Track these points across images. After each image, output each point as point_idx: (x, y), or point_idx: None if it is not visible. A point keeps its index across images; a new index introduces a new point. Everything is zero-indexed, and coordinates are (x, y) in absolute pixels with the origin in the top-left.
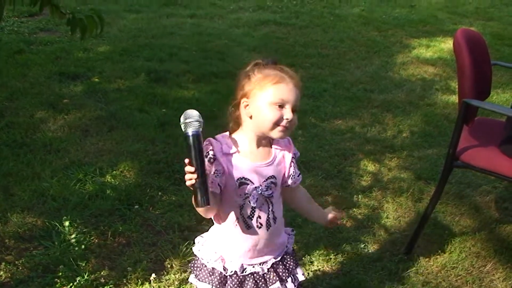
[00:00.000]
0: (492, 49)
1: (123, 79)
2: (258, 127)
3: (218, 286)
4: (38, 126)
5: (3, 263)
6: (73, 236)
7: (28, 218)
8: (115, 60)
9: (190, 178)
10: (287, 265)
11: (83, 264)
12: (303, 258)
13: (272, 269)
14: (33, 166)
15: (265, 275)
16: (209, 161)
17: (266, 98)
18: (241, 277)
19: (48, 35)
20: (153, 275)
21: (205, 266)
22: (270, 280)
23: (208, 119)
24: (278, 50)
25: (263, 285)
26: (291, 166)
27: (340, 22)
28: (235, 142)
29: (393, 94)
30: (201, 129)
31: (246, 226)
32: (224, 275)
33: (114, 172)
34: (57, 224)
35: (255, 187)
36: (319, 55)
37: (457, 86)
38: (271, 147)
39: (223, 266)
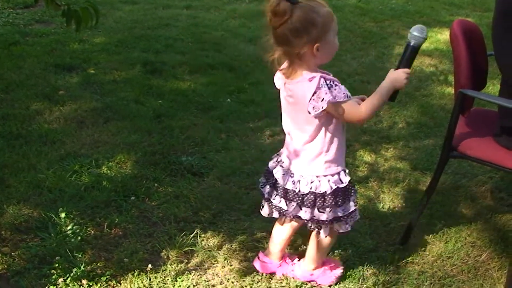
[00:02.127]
0: (489, 40)
1: (119, 71)
2: (327, 58)
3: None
4: (33, 117)
5: None
6: (69, 227)
7: (24, 209)
8: (110, 51)
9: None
10: None
11: (80, 256)
12: (299, 248)
13: None
14: (29, 158)
15: None
16: (335, 84)
17: (332, 34)
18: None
19: (44, 27)
20: (150, 266)
21: (341, 188)
22: None
23: (205, 110)
24: None
25: None
26: None
27: (336, 12)
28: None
29: None
30: (420, 44)
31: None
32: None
33: (110, 163)
34: (53, 216)
35: None
36: None
37: (453, 77)
38: None
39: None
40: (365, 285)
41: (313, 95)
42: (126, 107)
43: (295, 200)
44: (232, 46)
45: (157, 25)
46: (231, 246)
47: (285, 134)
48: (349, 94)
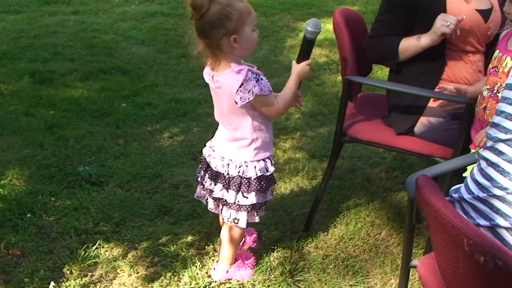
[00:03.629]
0: None
1: (5, 83)
2: (247, 51)
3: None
4: None
5: None
6: None
7: None
8: None
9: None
10: None
11: None
12: (206, 247)
13: None
14: None
15: None
16: (260, 78)
17: (249, 28)
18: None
19: None
20: (52, 283)
21: (265, 176)
22: None
23: (100, 117)
24: (167, 42)
25: None
26: None
27: None
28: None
29: (284, 77)
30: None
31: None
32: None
33: (2, 181)
34: None
35: None
36: None
37: None
38: None
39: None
40: (272, 275)
41: (240, 86)
42: (15, 120)
43: (222, 182)
44: (124, 49)
45: (43, 33)
46: (136, 253)
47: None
48: (271, 88)
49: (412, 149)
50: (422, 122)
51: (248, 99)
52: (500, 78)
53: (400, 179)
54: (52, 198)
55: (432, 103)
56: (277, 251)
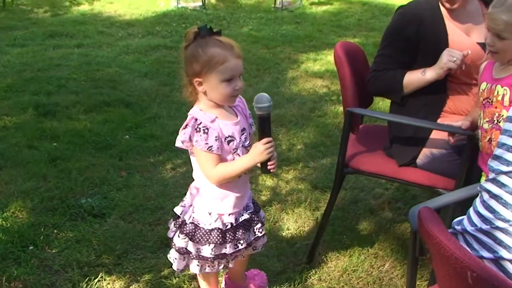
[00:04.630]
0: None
1: (9, 116)
2: (216, 100)
3: (218, 242)
4: None
5: None
6: None
7: None
8: (0, 97)
9: (271, 147)
10: (256, 207)
11: None
12: None
13: (253, 212)
14: None
15: (250, 219)
16: (203, 132)
17: (217, 78)
18: (235, 226)
19: None
20: None
21: (202, 229)
22: (254, 222)
23: (103, 149)
24: (170, 74)
25: (248, 228)
26: (250, 116)
27: None
28: (207, 110)
29: (285, 109)
30: (268, 112)
31: (239, 176)
32: (223, 230)
33: (5, 214)
34: None
35: (239, 141)
36: None
37: None
38: (232, 108)
39: (222, 223)
40: None
41: (182, 129)
42: (19, 153)
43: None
44: (127, 82)
45: (47, 66)
46: (138, 286)
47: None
48: (213, 148)
49: (415, 181)
50: (425, 153)
51: (178, 143)
52: (496, 107)
53: (403, 210)
54: (55, 231)
55: (434, 135)
56: (280, 284)
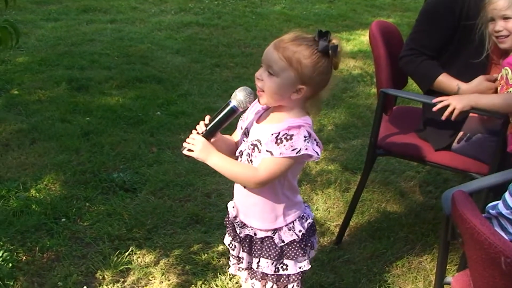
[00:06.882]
0: None
1: (43, 90)
2: None
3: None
4: None
5: None
6: None
7: None
8: (34, 70)
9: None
10: (264, 247)
11: (11, 283)
12: None
13: (247, 238)
14: None
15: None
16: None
17: None
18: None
19: None
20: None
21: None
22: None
23: (135, 124)
24: (202, 52)
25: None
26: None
27: (262, 20)
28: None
29: None
30: (240, 110)
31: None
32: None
33: (39, 186)
34: None
35: (244, 143)
36: (243, 54)
37: None
38: (284, 118)
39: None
40: None
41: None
42: (52, 126)
43: None
44: (159, 58)
45: (81, 41)
46: (168, 260)
47: None
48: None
49: (448, 164)
50: (459, 137)
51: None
52: (507, 89)
53: (434, 194)
54: (87, 204)
55: (470, 119)
56: None
